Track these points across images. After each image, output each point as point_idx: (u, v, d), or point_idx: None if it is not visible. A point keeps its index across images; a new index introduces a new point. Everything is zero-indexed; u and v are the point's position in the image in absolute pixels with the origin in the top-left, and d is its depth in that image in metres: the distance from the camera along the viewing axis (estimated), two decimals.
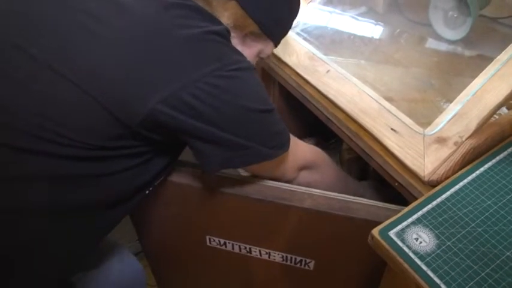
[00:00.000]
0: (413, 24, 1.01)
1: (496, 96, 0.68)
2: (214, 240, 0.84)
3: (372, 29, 1.04)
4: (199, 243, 0.85)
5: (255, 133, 0.65)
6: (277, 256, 0.82)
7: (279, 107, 1.05)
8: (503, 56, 0.74)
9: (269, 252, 0.82)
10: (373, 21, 1.04)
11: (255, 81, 0.65)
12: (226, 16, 0.68)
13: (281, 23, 0.77)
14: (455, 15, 0.91)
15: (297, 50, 0.93)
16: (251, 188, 0.74)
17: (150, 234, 0.92)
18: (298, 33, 0.97)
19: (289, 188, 0.74)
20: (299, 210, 0.72)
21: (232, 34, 0.67)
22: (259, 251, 0.82)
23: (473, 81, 0.72)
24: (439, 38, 0.93)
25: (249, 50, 0.74)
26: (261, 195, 0.73)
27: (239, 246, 0.83)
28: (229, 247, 0.84)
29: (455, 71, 0.82)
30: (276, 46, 0.79)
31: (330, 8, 1.08)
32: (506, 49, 0.74)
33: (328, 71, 0.87)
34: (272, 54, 0.92)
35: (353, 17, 1.05)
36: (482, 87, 0.71)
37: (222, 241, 0.83)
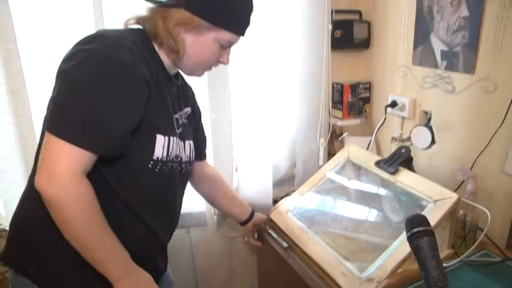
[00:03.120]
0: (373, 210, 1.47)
1: (402, 254, 1.10)
2: None
3: (346, 208, 1.50)
4: None
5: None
6: None
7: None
8: None
9: None
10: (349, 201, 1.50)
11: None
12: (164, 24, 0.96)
13: (225, 14, 0.97)
14: (397, 206, 1.38)
15: (290, 224, 1.40)
16: None
17: None
18: (291, 212, 1.45)
19: None
20: None
21: (178, 30, 0.95)
22: None
23: (394, 243, 1.15)
24: (388, 219, 1.38)
25: (203, 38, 0.97)
26: None
27: None
28: None
29: (388, 237, 1.24)
30: (236, 33, 1.01)
31: (340, 176, 1.54)
32: None
33: (309, 238, 1.32)
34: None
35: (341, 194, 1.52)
36: (397, 247, 1.13)
37: None
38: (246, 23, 1.03)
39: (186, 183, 1.22)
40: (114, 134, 0.86)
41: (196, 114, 1.25)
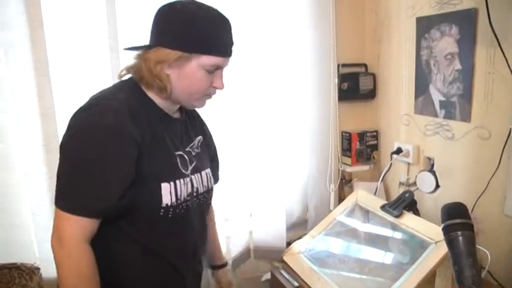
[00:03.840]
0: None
1: None
2: None
3: (354, 250, 1.57)
4: None
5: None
6: None
7: None
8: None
9: None
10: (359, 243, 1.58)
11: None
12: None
13: (197, 40, 0.97)
14: (403, 248, 1.45)
15: (301, 265, 1.48)
16: None
17: None
18: (303, 254, 1.53)
19: None
20: None
21: (160, 68, 0.97)
22: None
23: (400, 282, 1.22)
24: (395, 259, 1.45)
25: (186, 69, 0.98)
26: None
27: None
28: None
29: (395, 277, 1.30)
30: (215, 55, 1.00)
31: (350, 220, 1.62)
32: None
33: (319, 279, 1.39)
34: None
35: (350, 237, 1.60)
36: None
37: None
38: (223, 42, 1.02)
39: (208, 209, 1.25)
40: (109, 197, 0.92)
41: (207, 138, 1.27)
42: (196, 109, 1.23)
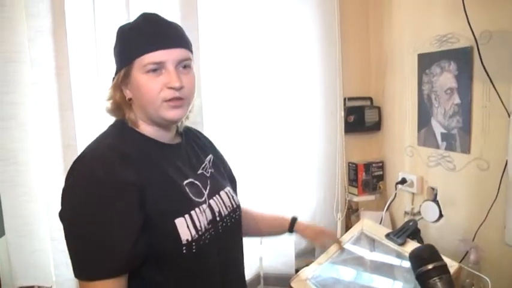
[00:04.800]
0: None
1: None
2: None
3: (360, 277, 1.61)
4: None
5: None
6: None
7: None
8: None
9: None
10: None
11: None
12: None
13: (128, 50, 0.95)
14: (407, 275, 1.49)
15: None
16: None
17: None
18: (310, 280, 1.58)
19: None
20: None
21: (119, 91, 0.98)
22: None
23: None
24: (399, 287, 1.49)
25: (133, 81, 0.95)
26: None
27: None
28: None
29: None
30: (143, 53, 0.92)
31: (356, 247, 1.66)
32: None
33: None
34: None
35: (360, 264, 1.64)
36: None
37: None
38: (150, 38, 0.94)
39: (239, 230, 1.16)
40: (122, 250, 0.86)
41: (218, 156, 1.22)
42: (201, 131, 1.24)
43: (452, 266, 1.30)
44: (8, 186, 1.54)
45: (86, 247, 0.86)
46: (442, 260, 0.75)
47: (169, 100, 0.95)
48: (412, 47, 1.77)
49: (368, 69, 2.07)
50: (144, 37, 0.94)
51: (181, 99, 0.96)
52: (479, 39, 1.41)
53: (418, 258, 0.76)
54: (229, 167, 1.26)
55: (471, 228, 1.52)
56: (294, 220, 1.40)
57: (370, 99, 2.06)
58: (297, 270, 1.80)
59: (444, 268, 0.73)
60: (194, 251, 0.94)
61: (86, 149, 0.96)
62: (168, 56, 0.94)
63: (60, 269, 1.61)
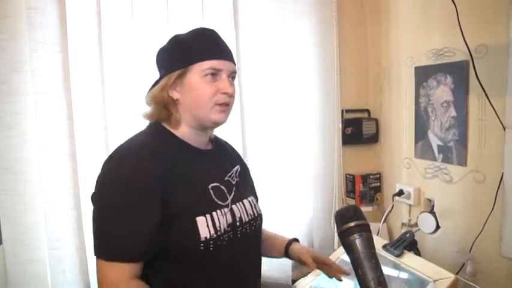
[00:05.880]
0: None
1: None
2: None
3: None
4: None
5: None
6: None
7: None
8: None
9: None
10: None
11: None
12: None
13: (188, 53, 1.03)
14: (405, 286, 1.49)
15: None
16: None
17: None
18: None
19: None
20: None
21: (166, 92, 1.03)
22: None
23: None
24: None
25: (186, 83, 1.02)
26: None
27: None
28: None
29: None
30: (209, 58, 1.01)
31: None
32: None
33: None
34: None
35: None
36: None
37: None
38: (212, 47, 1.05)
39: (258, 239, 1.19)
40: (144, 237, 0.93)
41: (244, 169, 1.25)
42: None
43: (449, 277, 1.31)
44: (7, 195, 1.55)
45: (111, 230, 0.93)
46: (364, 219, 0.77)
47: (221, 104, 1.04)
48: (410, 60, 1.80)
49: (366, 82, 2.10)
50: (207, 46, 1.04)
51: (228, 105, 1.06)
52: (475, 53, 1.43)
53: (341, 217, 0.79)
54: (252, 182, 1.29)
55: (468, 239, 1.53)
56: (289, 245, 1.29)
57: (368, 111, 2.09)
58: (294, 281, 1.80)
59: (365, 227, 0.75)
60: (211, 249, 0.98)
61: (123, 143, 1.04)
62: (225, 66, 1.04)
63: (57, 278, 1.61)
